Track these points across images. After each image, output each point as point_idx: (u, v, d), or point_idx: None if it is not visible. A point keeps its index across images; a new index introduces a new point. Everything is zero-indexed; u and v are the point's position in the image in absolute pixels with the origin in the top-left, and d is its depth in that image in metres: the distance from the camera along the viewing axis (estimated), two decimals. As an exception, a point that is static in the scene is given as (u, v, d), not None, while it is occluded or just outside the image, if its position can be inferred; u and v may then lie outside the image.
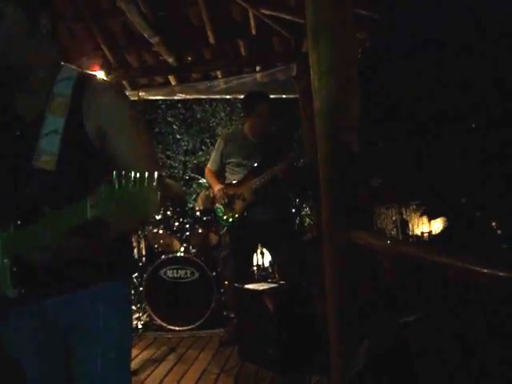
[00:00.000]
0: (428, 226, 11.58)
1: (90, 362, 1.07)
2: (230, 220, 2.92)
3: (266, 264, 4.28)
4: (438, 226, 11.20)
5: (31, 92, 1.05)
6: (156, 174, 0.80)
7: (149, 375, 2.63)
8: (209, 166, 3.20)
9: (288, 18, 3.58)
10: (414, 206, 11.22)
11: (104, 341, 1.08)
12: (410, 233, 11.26)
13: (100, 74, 4.11)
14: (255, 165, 2.92)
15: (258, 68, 4.50)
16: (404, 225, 11.07)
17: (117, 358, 1.10)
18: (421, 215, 11.13)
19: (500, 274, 0.79)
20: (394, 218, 11.05)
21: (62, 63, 1.10)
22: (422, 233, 11.41)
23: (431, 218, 10.36)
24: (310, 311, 2.69)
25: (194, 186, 9.80)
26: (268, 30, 3.94)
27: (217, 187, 3.02)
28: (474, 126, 10.40)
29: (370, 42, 3.93)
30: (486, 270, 0.80)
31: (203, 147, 9.97)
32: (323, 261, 1.97)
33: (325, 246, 1.93)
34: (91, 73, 1.12)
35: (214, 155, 3.16)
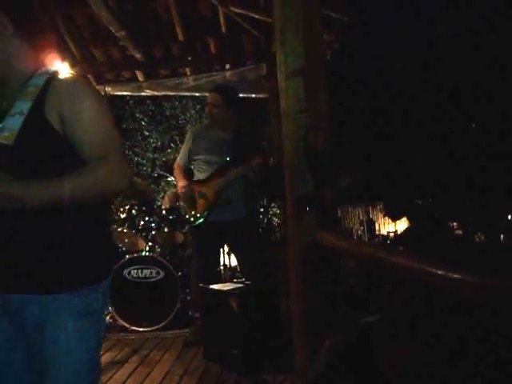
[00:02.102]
0: (394, 226, 11.85)
1: (33, 371, 1.08)
2: (193, 219, 2.88)
3: (234, 264, 4.26)
4: (402, 226, 11.48)
5: (10, 87, 1.14)
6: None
7: (110, 378, 2.56)
8: (177, 160, 3.15)
9: (257, 17, 3.57)
10: (381, 206, 11.46)
11: (45, 353, 1.07)
12: (377, 232, 11.49)
13: (63, 67, 3.97)
14: (222, 164, 2.89)
15: (227, 66, 4.47)
16: (371, 224, 11.28)
17: (62, 372, 1.07)
18: (384, 216, 11.39)
19: (454, 276, 0.80)
20: (361, 218, 11.25)
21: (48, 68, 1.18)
22: (388, 232, 11.66)
23: (393, 218, 10.61)
24: (275, 312, 2.69)
25: (163, 183, 9.66)
26: (238, 29, 3.92)
27: (181, 184, 2.97)
28: (435, 128, 10.73)
29: (340, 43, 3.98)
30: (440, 272, 0.82)
31: (172, 144, 9.84)
32: (288, 261, 1.98)
33: (289, 247, 1.93)
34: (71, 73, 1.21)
35: (183, 150, 3.12)
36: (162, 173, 9.91)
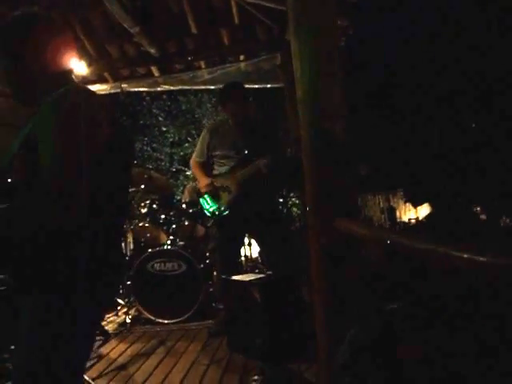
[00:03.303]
0: (415, 213, 11.70)
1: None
2: (217, 212, 2.90)
3: (254, 255, 4.28)
4: (424, 212, 11.32)
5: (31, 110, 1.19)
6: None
7: (138, 369, 2.61)
8: (194, 157, 3.16)
9: (270, 5, 3.54)
10: (401, 193, 11.32)
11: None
12: (398, 220, 11.36)
13: (80, 66, 4.02)
14: (241, 156, 2.90)
15: (241, 57, 4.45)
16: (391, 212, 11.16)
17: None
18: (405, 202, 11.24)
19: (480, 259, 0.79)
20: (381, 206, 11.14)
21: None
22: (410, 219, 11.52)
23: (415, 204, 10.47)
24: (297, 301, 2.69)
25: (181, 178, 9.74)
26: (251, 19, 3.89)
27: (203, 179, 2.99)
28: (454, 113, 10.48)
29: (354, 29, 3.91)
30: (465, 256, 0.80)
31: (189, 139, 9.89)
32: (309, 250, 1.97)
33: (310, 236, 1.92)
34: (80, 89, 1.16)
35: (200, 147, 3.12)
36: (180, 167, 9.98)
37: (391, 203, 11.44)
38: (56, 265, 1.07)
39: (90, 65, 4.23)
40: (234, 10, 3.82)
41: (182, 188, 8.88)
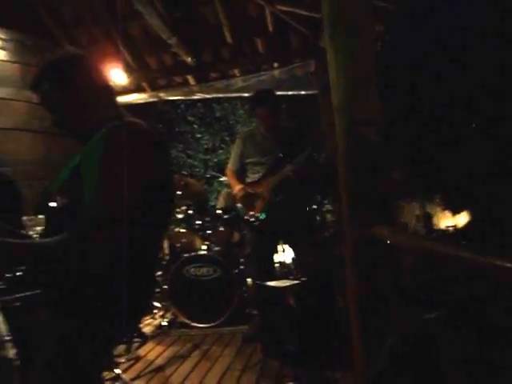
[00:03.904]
0: (452, 220, 11.33)
1: None
2: (252, 219, 2.94)
3: (288, 261, 4.28)
4: (463, 219, 10.95)
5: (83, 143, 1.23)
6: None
7: (174, 371, 2.67)
8: (229, 165, 3.22)
9: (304, 13, 3.57)
10: (438, 200, 11.00)
11: None
12: (434, 227, 11.03)
13: (121, 77, 4.18)
14: (273, 163, 2.93)
15: (275, 65, 4.50)
16: (427, 219, 10.86)
17: None
18: (444, 209, 10.90)
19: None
20: (416, 213, 10.86)
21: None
22: (447, 227, 11.16)
23: (454, 211, 10.13)
24: (332, 308, 2.68)
25: (215, 184, 9.85)
26: (285, 27, 3.94)
27: (237, 187, 3.04)
28: (493, 118, 10.10)
29: (390, 35, 3.88)
30: (509, 265, 0.79)
31: (223, 145, 10.03)
32: (345, 257, 1.96)
33: (345, 243, 1.92)
34: (130, 124, 1.15)
35: (233, 155, 3.18)
36: (214, 173, 10.12)
37: (427, 210, 11.13)
38: (96, 292, 1.10)
39: (129, 75, 4.38)
40: (269, 18, 3.88)
41: (216, 194, 8.99)
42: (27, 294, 2.28)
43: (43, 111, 1.26)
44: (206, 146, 10.25)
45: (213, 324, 3.40)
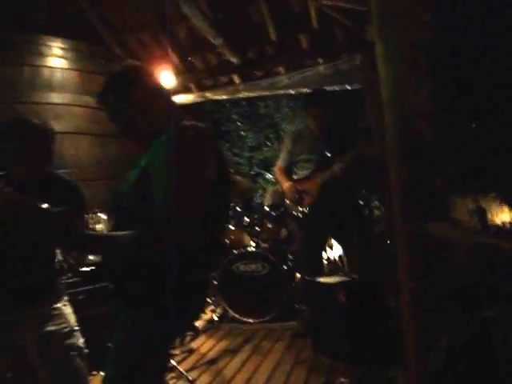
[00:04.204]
0: (509, 215, 10.77)
1: None
2: (301, 215, 2.95)
3: (336, 257, 4.25)
4: (521, 214, 10.37)
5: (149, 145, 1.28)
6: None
7: (226, 364, 2.74)
8: (278, 163, 3.26)
9: (349, 6, 3.52)
10: (493, 194, 10.49)
11: None
12: (489, 223, 10.54)
13: (170, 79, 4.31)
14: (322, 160, 2.92)
15: (320, 61, 4.46)
16: (481, 214, 10.39)
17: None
18: (500, 203, 10.38)
19: None
20: (469, 208, 10.42)
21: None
22: (503, 223, 10.62)
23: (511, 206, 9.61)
24: (383, 304, 2.64)
25: (261, 181, 9.91)
26: (329, 21, 3.90)
27: (286, 184, 3.07)
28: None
29: (438, 23, 3.74)
30: None
31: (268, 143, 10.05)
32: (397, 253, 1.94)
33: (398, 239, 1.89)
34: (193, 126, 1.20)
35: (283, 152, 3.21)
36: (259, 171, 10.18)
37: (481, 205, 10.65)
38: (161, 285, 1.14)
39: (177, 77, 4.51)
40: (313, 13, 3.85)
41: (260, 191, 9.05)
42: (89, 287, 2.43)
43: (100, 115, 1.35)
44: (250, 144, 10.33)
45: (262, 319, 3.45)
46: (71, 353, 1.64)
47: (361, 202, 3.79)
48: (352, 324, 2.50)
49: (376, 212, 5.85)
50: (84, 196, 1.79)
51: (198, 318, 1.38)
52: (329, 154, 2.91)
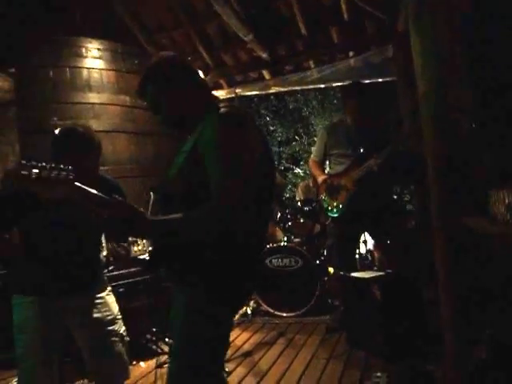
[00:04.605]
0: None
1: None
2: (335, 210, 2.95)
3: (369, 252, 4.23)
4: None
5: (190, 130, 1.33)
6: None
7: (262, 357, 2.79)
8: (312, 157, 3.25)
9: (380, -3, 3.46)
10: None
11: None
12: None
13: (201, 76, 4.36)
14: (358, 155, 2.90)
15: (351, 54, 4.41)
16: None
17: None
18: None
19: None
20: (506, 201, 10.06)
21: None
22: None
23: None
24: (418, 299, 2.62)
25: (290, 176, 9.90)
26: (360, 13, 3.84)
27: (321, 178, 3.07)
28: None
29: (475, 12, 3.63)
30: None
31: (296, 137, 10.01)
32: (434, 248, 1.92)
33: (436, 234, 1.87)
34: (229, 108, 1.23)
35: (318, 146, 3.21)
36: (288, 165, 10.16)
37: (520, 198, 10.26)
38: (224, 268, 1.19)
39: (207, 73, 4.56)
40: (344, 6, 3.81)
41: (290, 186, 9.04)
42: (130, 281, 2.51)
43: (135, 114, 1.38)
44: (279, 139, 10.31)
45: (295, 313, 3.48)
46: (113, 338, 1.74)
47: (394, 197, 3.75)
48: (387, 319, 2.49)
49: (408, 206, 5.76)
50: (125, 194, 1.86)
51: (243, 305, 1.42)
52: (363, 150, 2.89)
